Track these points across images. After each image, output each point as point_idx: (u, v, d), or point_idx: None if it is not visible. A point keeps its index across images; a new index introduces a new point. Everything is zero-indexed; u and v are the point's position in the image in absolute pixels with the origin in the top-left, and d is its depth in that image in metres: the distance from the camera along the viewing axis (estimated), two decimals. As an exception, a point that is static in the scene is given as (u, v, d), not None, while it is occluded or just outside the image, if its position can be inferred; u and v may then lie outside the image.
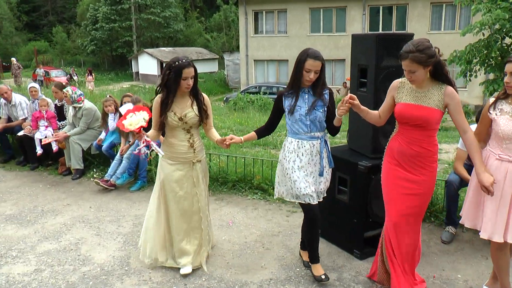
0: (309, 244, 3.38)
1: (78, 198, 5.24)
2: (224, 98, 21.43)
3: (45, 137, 6.16)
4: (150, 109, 3.28)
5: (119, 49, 40.83)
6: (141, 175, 5.57)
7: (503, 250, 2.89)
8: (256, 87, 20.86)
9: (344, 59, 22.17)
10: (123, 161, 5.52)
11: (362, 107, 2.93)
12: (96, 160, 6.29)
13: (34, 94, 6.67)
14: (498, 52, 10.80)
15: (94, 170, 6.14)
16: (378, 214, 3.47)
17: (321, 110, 3.10)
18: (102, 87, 25.90)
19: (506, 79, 2.75)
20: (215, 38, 43.16)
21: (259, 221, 4.50)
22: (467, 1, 10.99)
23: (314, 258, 3.35)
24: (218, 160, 5.76)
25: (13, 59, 25.63)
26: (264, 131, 3.38)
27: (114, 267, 3.62)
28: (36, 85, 6.91)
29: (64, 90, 6.04)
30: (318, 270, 3.32)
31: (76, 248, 3.96)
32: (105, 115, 5.95)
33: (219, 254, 3.81)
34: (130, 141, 5.64)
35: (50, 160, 6.48)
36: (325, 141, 3.20)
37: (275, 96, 3.33)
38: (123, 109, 3.22)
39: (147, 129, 3.20)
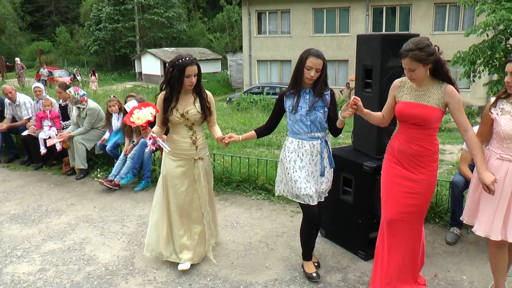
0: (305, 242, 3.40)
1: (82, 198, 5.25)
2: (227, 99, 21.45)
3: (49, 137, 6.17)
4: None
5: (122, 49, 40.90)
6: (145, 175, 5.58)
7: (502, 249, 2.89)
8: (259, 88, 20.84)
9: (347, 60, 22.16)
10: (127, 161, 5.54)
11: (365, 110, 2.93)
12: (100, 160, 6.31)
13: (38, 94, 6.69)
14: (502, 53, 10.78)
15: (98, 170, 6.16)
16: (383, 215, 3.46)
17: (322, 111, 3.10)
18: (105, 87, 25.94)
19: (506, 78, 2.75)
20: (218, 39, 43.21)
21: (264, 221, 4.50)
22: (471, 1, 10.93)
23: (307, 256, 3.40)
24: (222, 160, 5.76)
25: (17, 59, 25.81)
26: (264, 131, 3.39)
27: (118, 267, 3.63)
28: (41, 85, 6.93)
29: (67, 90, 6.06)
30: (310, 267, 3.38)
31: (80, 248, 3.97)
32: (109, 115, 5.96)
33: (224, 254, 3.81)
34: (134, 141, 5.65)
35: (54, 159, 6.50)
36: (326, 142, 3.20)
37: None
38: (128, 106, 3.22)
39: (151, 125, 3.21)
